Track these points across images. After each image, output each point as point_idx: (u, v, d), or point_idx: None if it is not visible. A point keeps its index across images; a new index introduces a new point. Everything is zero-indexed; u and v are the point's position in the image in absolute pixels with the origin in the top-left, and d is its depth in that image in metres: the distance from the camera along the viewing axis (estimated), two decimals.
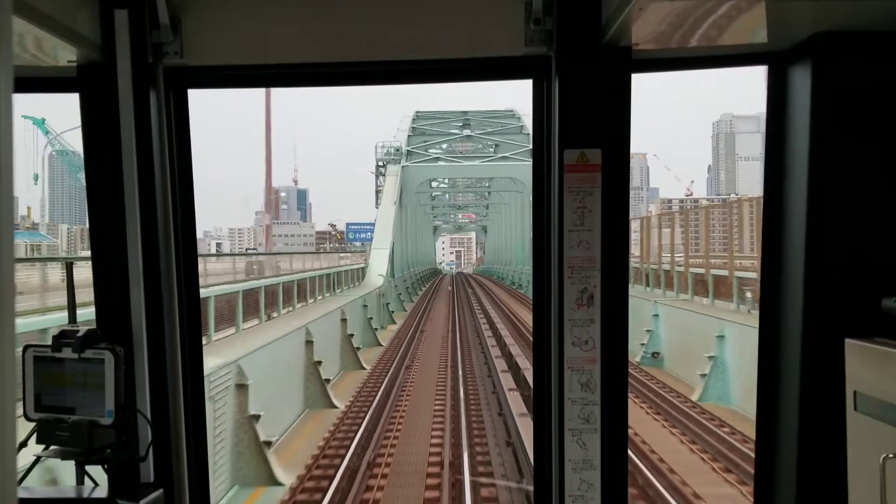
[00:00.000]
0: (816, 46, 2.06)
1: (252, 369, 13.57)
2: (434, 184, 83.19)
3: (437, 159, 63.89)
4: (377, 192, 60.72)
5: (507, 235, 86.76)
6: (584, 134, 2.19)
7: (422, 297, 58.89)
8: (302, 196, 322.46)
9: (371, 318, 31.08)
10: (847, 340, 1.98)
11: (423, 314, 42.29)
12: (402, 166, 58.46)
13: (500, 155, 63.23)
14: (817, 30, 2.04)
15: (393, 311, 40.37)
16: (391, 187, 54.90)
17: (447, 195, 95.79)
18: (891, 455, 1.76)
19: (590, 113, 2.19)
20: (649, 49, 2.18)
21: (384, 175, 59.58)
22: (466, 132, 67.62)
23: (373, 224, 56.38)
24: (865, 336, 1.95)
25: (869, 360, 1.91)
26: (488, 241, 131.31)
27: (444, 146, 68.16)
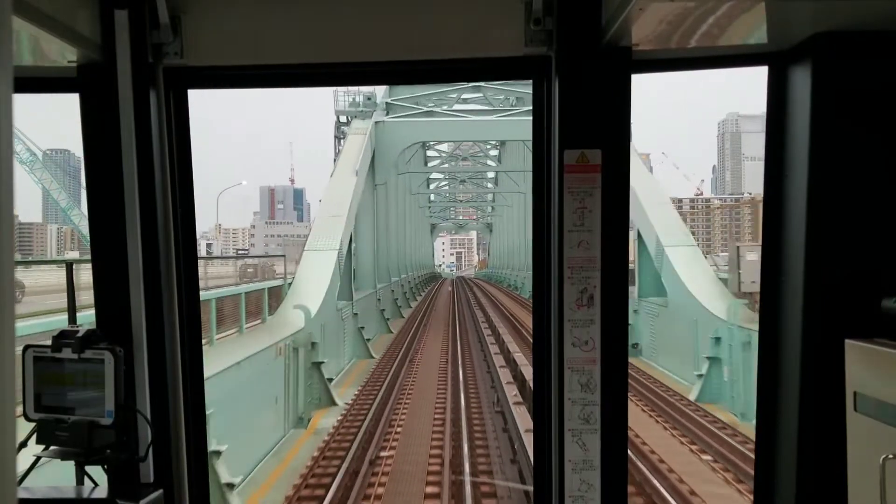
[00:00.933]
0: (816, 46, 2.11)
1: None
2: (431, 154, 58.54)
3: (431, 113, 39.37)
4: (335, 161, 34.66)
5: (519, 231, 69.87)
6: (584, 134, 2.24)
7: (407, 323, 38.13)
8: (298, 195, 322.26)
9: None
10: (847, 341, 2.03)
11: (397, 375, 21.48)
12: (376, 123, 35.15)
13: (524, 108, 37.59)
14: (817, 30, 2.09)
15: (332, 379, 19.82)
16: (354, 150, 31.55)
17: (445, 182, 77.64)
18: (891, 456, 1.80)
19: (590, 113, 2.24)
20: (649, 49, 2.23)
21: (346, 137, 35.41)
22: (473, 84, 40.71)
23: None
24: (865, 336, 2.00)
25: (869, 361, 1.96)
26: (494, 241, 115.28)
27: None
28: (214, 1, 2.33)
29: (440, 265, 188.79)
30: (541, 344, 2.41)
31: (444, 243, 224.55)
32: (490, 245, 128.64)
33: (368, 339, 27.27)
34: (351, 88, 38.06)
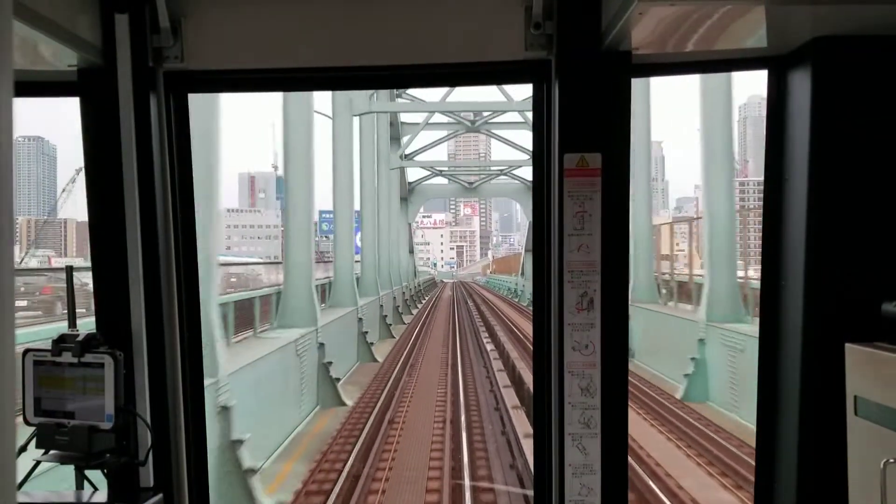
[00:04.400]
0: (816, 50, 2.27)
1: None
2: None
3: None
4: None
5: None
6: (584, 138, 2.40)
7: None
8: (281, 183, 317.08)
9: None
10: (847, 345, 2.18)
11: None
12: None
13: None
14: (817, 34, 2.25)
15: None
16: None
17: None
18: (891, 460, 1.95)
19: (590, 117, 2.40)
20: (649, 53, 2.40)
21: None
22: None
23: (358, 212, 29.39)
24: (866, 340, 2.15)
25: (869, 365, 2.11)
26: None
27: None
28: (215, 5, 2.49)
29: (436, 263, 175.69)
30: (541, 348, 2.57)
31: (442, 236, 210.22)
32: (529, 235, 62.25)
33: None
34: None
